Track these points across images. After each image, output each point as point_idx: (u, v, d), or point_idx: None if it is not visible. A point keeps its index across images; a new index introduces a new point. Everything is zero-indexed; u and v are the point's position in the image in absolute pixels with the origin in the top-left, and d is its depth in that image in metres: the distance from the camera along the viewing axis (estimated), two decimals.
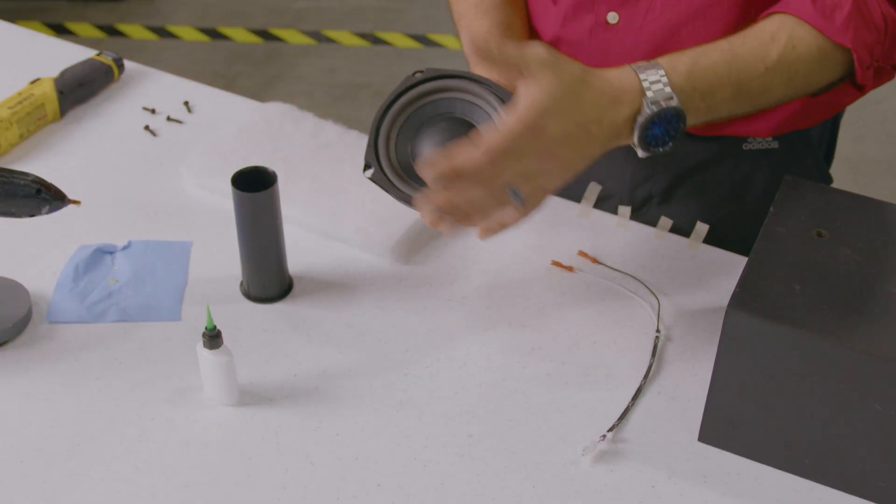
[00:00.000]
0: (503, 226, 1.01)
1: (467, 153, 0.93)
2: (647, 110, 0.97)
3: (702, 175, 1.31)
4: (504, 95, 1.03)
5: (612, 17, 1.19)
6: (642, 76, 0.98)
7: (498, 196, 0.96)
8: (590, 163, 0.99)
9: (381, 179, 1.04)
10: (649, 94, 0.98)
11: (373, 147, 1.04)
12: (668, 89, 0.98)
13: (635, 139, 0.99)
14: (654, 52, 1.18)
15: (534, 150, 0.94)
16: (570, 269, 1.18)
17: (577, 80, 0.95)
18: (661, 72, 0.99)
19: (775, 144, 1.28)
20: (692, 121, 1.01)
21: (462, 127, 1.05)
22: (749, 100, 1.05)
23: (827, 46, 1.04)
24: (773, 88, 1.05)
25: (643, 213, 1.34)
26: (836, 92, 1.13)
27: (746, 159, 1.29)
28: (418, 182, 1.02)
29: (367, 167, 1.04)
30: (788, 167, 1.30)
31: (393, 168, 1.04)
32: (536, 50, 0.93)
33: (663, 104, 0.98)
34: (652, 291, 1.14)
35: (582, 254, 1.19)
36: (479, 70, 1.10)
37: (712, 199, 1.32)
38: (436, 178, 0.94)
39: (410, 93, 1.05)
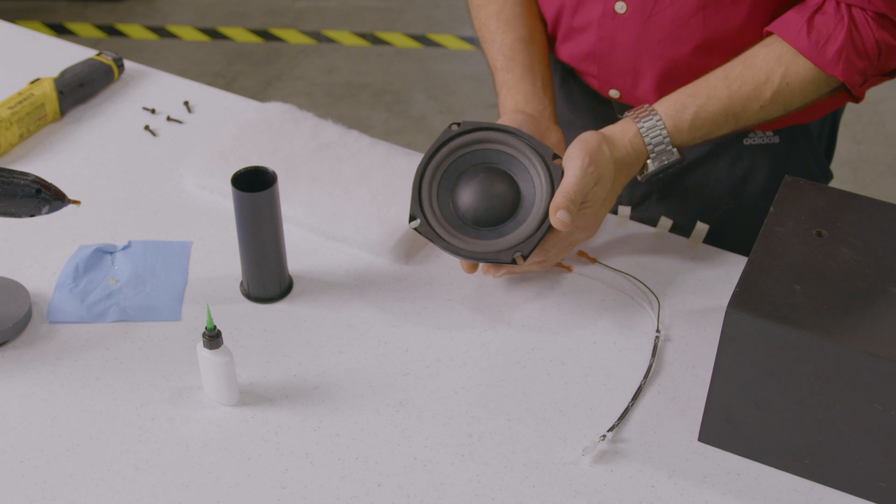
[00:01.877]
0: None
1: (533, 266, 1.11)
2: (652, 167, 1.14)
3: (702, 171, 1.32)
4: (536, 146, 1.11)
5: (620, 7, 1.20)
6: (646, 139, 1.13)
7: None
8: None
9: (427, 231, 1.09)
10: (653, 155, 1.14)
11: (417, 200, 1.10)
12: (670, 147, 1.14)
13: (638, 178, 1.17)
14: (660, 43, 1.20)
15: (582, 235, 1.13)
16: (569, 269, 1.18)
17: (610, 163, 1.10)
18: (665, 132, 1.13)
19: (776, 139, 1.29)
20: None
21: (499, 176, 1.12)
22: (745, 128, 1.17)
23: (820, 76, 1.12)
24: (768, 117, 1.16)
25: (643, 210, 1.35)
26: (831, 99, 1.18)
27: (747, 154, 1.30)
28: (458, 229, 1.10)
29: (412, 219, 1.09)
30: (789, 162, 1.31)
31: (436, 217, 1.10)
32: (583, 163, 1.08)
33: (665, 161, 1.14)
34: (652, 291, 1.14)
35: (581, 254, 1.19)
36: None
37: (712, 195, 1.32)
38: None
39: (449, 145, 1.12)
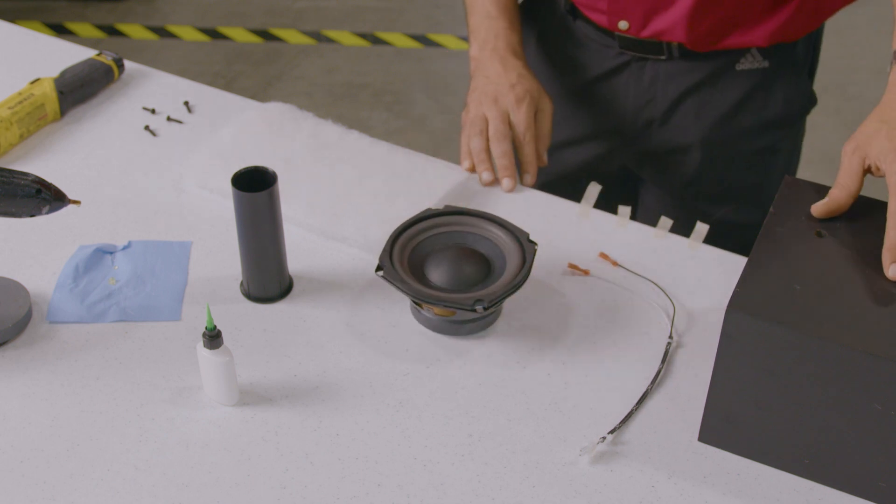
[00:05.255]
0: None
1: None
2: None
3: (698, 95, 1.38)
4: (514, 230, 1.12)
5: None
6: None
7: None
8: None
9: (392, 276, 1.07)
10: None
11: (388, 253, 1.09)
12: None
13: None
14: None
15: None
16: (586, 272, 1.17)
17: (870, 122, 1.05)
18: None
19: (766, 63, 1.35)
20: None
21: (468, 252, 1.12)
22: None
23: None
24: None
25: (647, 138, 1.42)
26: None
27: (739, 79, 1.36)
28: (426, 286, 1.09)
29: (379, 268, 1.08)
30: (778, 85, 1.37)
31: (404, 270, 1.09)
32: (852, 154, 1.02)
33: None
34: (669, 297, 1.14)
35: (603, 256, 1.18)
36: None
37: (709, 119, 1.39)
38: None
39: (427, 222, 1.14)
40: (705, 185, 1.45)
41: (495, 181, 1.29)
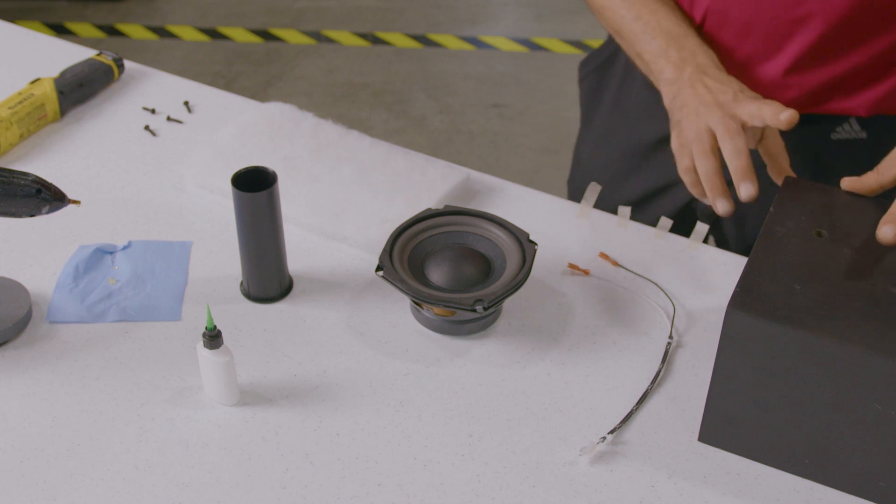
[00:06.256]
0: None
1: None
2: None
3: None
4: (514, 230, 1.11)
5: None
6: None
7: None
8: None
9: (392, 276, 1.07)
10: None
11: (388, 252, 1.09)
12: None
13: None
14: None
15: None
16: (586, 272, 1.17)
17: None
18: None
19: (864, 135, 1.23)
20: None
21: (468, 252, 1.12)
22: None
23: None
24: None
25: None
26: None
27: (833, 149, 1.23)
28: (426, 286, 1.08)
29: (379, 268, 1.08)
30: (876, 159, 1.25)
31: (404, 270, 1.09)
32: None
33: None
34: (669, 297, 1.14)
35: (603, 256, 1.18)
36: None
37: None
38: None
39: (427, 222, 1.13)
40: None
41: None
